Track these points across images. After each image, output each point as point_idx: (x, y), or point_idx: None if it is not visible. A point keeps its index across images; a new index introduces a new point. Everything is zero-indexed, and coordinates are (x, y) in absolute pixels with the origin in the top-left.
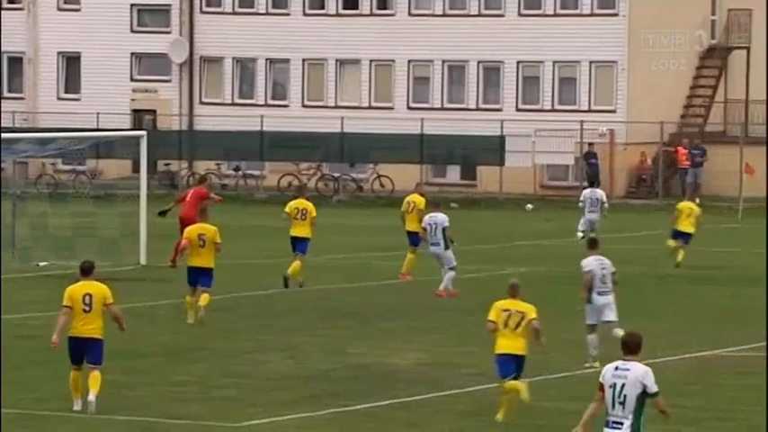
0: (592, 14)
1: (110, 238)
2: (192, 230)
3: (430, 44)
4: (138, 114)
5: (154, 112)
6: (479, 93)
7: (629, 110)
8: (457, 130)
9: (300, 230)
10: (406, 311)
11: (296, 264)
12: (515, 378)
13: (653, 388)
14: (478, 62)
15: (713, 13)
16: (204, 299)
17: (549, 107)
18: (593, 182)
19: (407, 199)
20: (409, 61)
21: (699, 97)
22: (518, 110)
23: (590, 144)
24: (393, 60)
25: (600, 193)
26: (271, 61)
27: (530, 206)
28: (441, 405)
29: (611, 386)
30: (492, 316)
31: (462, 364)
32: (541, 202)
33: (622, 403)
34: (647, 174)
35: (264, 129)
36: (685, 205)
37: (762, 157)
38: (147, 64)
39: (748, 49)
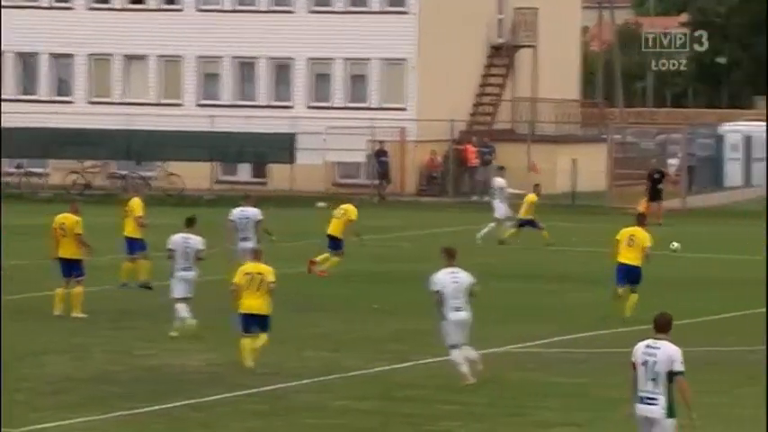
0: (382, 12)
1: None
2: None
3: (219, 40)
4: None
5: None
6: (270, 90)
7: (420, 108)
8: (247, 128)
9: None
10: (197, 311)
11: (131, 265)
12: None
13: (679, 367)
14: (268, 59)
15: (500, 12)
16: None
17: (340, 105)
18: (385, 177)
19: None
20: (198, 57)
21: (487, 95)
22: (309, 107)
23: (381, 142)
24: (181, 56)
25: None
26: (54, 56)
27: (321, 204)
28: (233, 405)
29: (642, 363)
30: (236, 279)
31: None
32: (333, 200)
33: (654, 380)
34: (438, 172)
35: (48, 125)
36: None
37: (548, 156)
38: None
39: (535, 47)
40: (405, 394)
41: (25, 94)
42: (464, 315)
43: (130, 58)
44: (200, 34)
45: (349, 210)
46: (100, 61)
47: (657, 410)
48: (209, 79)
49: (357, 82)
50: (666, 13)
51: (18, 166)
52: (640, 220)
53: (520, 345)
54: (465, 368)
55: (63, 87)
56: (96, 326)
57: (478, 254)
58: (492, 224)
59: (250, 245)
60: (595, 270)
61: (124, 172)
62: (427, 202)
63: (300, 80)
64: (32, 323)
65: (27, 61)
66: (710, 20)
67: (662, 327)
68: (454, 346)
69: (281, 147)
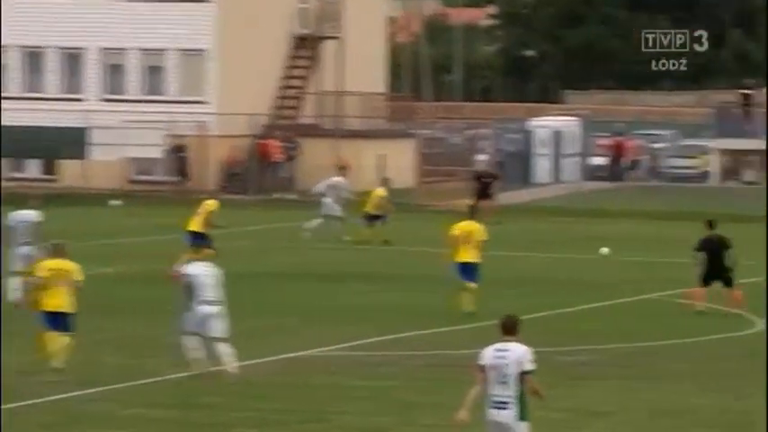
0: (180, 0)
1: None
2: None
3: (5, 28)
4: None
5: None
6: (60, 81)
7: (220, 101)
8: (36, 121)
9: None
10: None
11: None
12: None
13: (529, 366)
14: (58, 48)
15: (304, 2)
16: None
17: (136, 97)
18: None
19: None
20: None
21: (291, 89)
22: (102, 100)
23: (179, 136)
24: None
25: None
26: None
27: (115, 202)
28: (17, 416)
29: (492, 367)
30: (40, 274)
31: (42, 372)
32: (129, 197)
33: (505, 383)
34: (240, 168)
35: None
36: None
37: (354, 151)
38: None
39: (340, 38)
40: (201, 401)
41: None
42: (213, 309)
43: None
44: None
45: (209, 204)
46: None
47: (509, 414)
48: None
49: (154, 73)
50: (475, 5)
51: None
52: (472, 212)
53: (324, 348)
54: (197, 354)
55: None
56: None
57: (283, 253)
58: (320, 220)
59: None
60: (404, 269)
61: None
62: (228, 200)
63: (93, 71)
64: None
65: None
66: (518, 11)
67: (509, 329)
68: (191, 334)
69: (73, 141)
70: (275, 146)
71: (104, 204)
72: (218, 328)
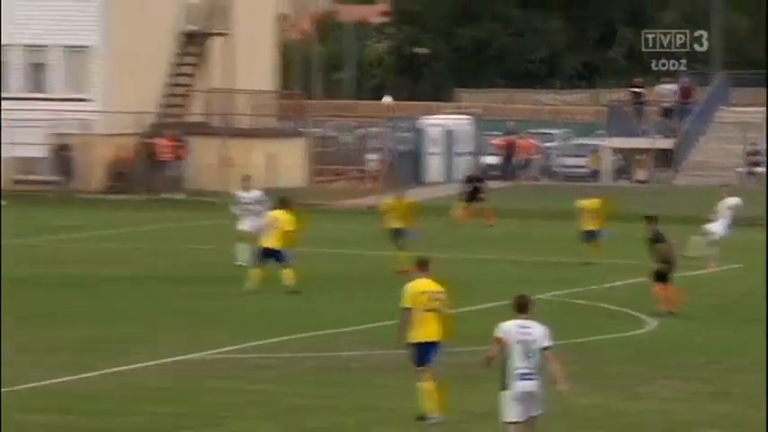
0: None
1: None
2: None
3: None
4: None
5: None
6: None
7: (106, 99)
8: None
9: None
10: None
11: None
12: None
13: (550, 342)
14: None
15: None
16: None
17: (18, 95)
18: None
19: None
20: None
21: (179, 86)
22: None
23: (64, 135)
24: None
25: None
26: None
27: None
28: None
29: (519, 342)
30: None
31: None
32: (14, 197)
33: (531, 357)
34: (127, 167)
35: None
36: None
37: (243, 150)
38: None
39: (228, 35)
40: (86, 407)
41: None
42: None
43: None
44: None
45: None
46: None
47: (534, 384)
48: None
49: (36, 71)
50: (367, 2)
51: None
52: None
53: (212, 351)
54: None
55: None
56: None
57: (170, 255)
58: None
59: None
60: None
61: None
62: (115, 200)
63: None
64: None
65: None
66: (410, 9)
67: (523, 307)
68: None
69: None
70: (163, 145)
71: None
72: None
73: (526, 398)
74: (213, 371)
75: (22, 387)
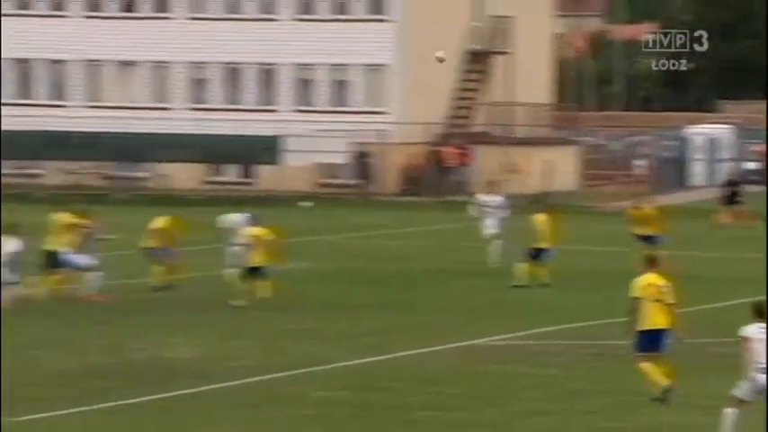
0: (363, 19)
1: None
2: None
3: (208, 47)
4: None
5: None
6: (256, 94)
7: (400, 111)
8: (235, 130)
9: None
10: (179, 307)
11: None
12: None
13: None
14: (255, 64)
15: (476, 20)
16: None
17: (324, 108)
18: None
19: None
20: (188, 63)
21: (464, 99)
22: (294, 111)
23: (363, 144)
24: (170, 62)
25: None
26: (50, 62)
27: (305, 203)
28: (218, 398)
29: (760, 341)
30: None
31: (233, 357)
32: (318, 199)
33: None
34: (418, 172)
35: (44, 128)
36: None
37: (521, 157)
38: None
39: (509, 53)
40: (380, 385)
41: (22, 98)
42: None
43: (123, 64)
44: (189, 41)
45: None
46: (93, 67)
47: None
48: (198, 84)
49: (340, 87)
50: (637, 21)
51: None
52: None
53: (491, 338)
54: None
55: (58, 92)
56: (88, 320)
57: (456, 251)
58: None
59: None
60: (566, 266)
61: (116, 173)
62: (407, 202)
63: (286, 85)
64: (24, 315)
65: (24, 67)
66: (676, 27)
67: (761, 312)
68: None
69: (267, 148)
70: (450, 152)
71: (295, 205)
72: None
73: (762, 389)
74: (495, 356)
75: (326, 367)
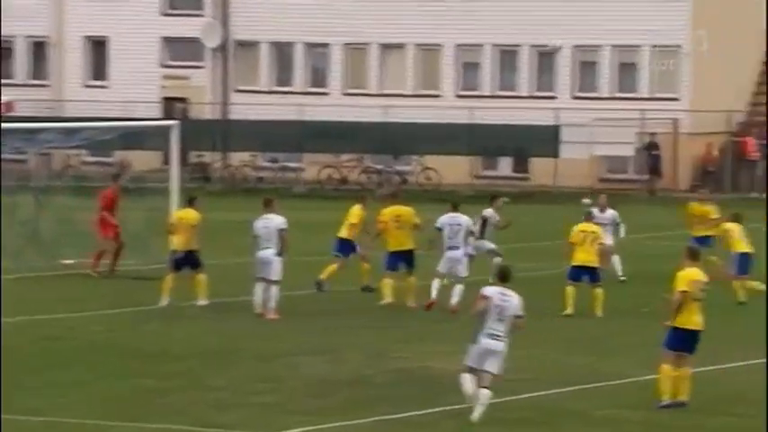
0: None
1: (138, 234)
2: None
3: (479, 28)
4: (168, 102)
5: (185, 100)
6: (532, 79)
7: (694, 98)
8: (508, 120)
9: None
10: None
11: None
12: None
13: (522, 312)
14: (531, 46)
15: None
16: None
17: (607, 95)
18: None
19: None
20: (457, 45)
21: None
22: (574, 98)
23: (651, 134)
24: (440, 45)
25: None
26: (309, 45)
27: (587, 200)
28: (492, 413)
29: (497, 306)
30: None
31: (511, 369)
32: (598, 196)
33: (502, 321)
34: (714, 166)
35: (303, 118)
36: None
37: None
38: (179, 49)
39: None
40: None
41: (280, 85)
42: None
43: (387, 47)
44: (459, 22)
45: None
46: (356, 51)
47: (500, 345)
48: (469, 68)
49: (626, 71)
50: None
51: (273, 161)
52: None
53: None
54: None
55: (318, 78)
56: (349, 327)
57: None
58: None
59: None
60: None
61: (380, 166)
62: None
63: (565, 69)
64: (283, 322)
65: (282, 51)
66: None
67: (506, 277)
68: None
69: (545, 139)
70: (752, 143)
71: (576, 203)
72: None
73: (488, 354)
74: None
75: (605, 384)
